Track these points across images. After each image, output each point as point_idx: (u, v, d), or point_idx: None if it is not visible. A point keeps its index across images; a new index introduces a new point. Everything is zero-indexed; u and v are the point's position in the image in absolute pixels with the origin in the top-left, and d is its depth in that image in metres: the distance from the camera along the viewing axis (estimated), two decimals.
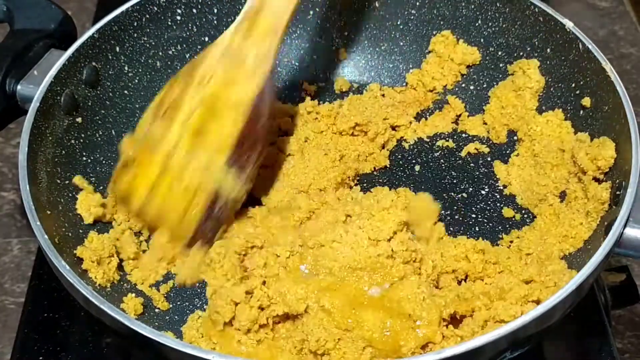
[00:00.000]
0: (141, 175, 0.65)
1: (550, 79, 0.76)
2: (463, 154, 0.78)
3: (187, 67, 0.67)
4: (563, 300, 0.55)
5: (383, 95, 0.82)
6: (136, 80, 0.78)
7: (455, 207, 0.73)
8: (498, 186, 0.75)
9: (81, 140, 0.72)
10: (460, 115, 0.81)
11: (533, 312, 0.54)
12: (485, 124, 0.80)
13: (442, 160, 0.78)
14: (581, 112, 0.72)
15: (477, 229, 0.72)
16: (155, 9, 0.78)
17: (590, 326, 0.72)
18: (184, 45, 0.81)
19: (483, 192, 0.75)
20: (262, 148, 0.66)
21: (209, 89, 0.64)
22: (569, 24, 0.72)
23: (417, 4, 0.82)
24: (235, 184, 0.65)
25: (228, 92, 0.64)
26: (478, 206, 0.73)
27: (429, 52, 0.83)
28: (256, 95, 0.64)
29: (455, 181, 0.76)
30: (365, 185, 0.76)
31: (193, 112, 0.64)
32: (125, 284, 0.68)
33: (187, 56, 0.81)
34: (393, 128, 0.80)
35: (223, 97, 0.64)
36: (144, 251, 0.70)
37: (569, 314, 0.58)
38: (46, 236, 0.60)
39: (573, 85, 0.73)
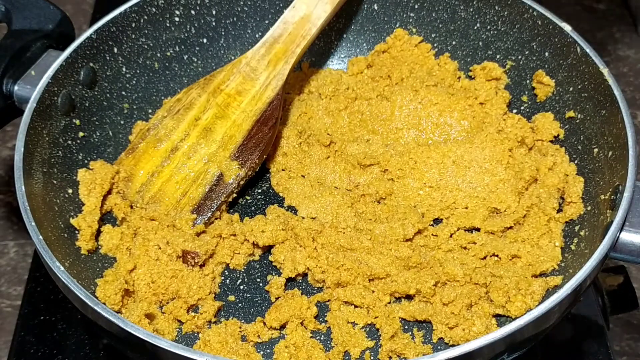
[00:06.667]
0: (144, 161, 0.72)
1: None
2: None
3: (204, 78, 0.75)
4: (559, 303, 0.55)
5: None
6: (134, 82, 0.78)
7: None
8: None
9: (78, 141, 0.72)
10: None
11: (529, 314, 0.54)
12: None
13: None
14: (579, 115, 0.72)
15: None
16: (154, 10, 0.78)
17: (587, 329, 0.72)
18: (182, 47, 0.81)
19: None
20: (266, 147, 0.72)
21: (222, 96, 0.74)
22: (567, 28, 0.72)
23: (416, 6, 0.82)
24: (237, 172, 0.71)
25: (240, 99, 0.73)
26: None
27: None
28: (265, 105, 0.73)
29: None
30: None
31: (204, 113, 0.73)
32: None
33: (185, 57, 0.81)
34: None
35: (234, 104, 0.73)
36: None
37: (567, 317, 0.58)
38: (41, 237, 0.59)
39: (571, 88, 0.73)
